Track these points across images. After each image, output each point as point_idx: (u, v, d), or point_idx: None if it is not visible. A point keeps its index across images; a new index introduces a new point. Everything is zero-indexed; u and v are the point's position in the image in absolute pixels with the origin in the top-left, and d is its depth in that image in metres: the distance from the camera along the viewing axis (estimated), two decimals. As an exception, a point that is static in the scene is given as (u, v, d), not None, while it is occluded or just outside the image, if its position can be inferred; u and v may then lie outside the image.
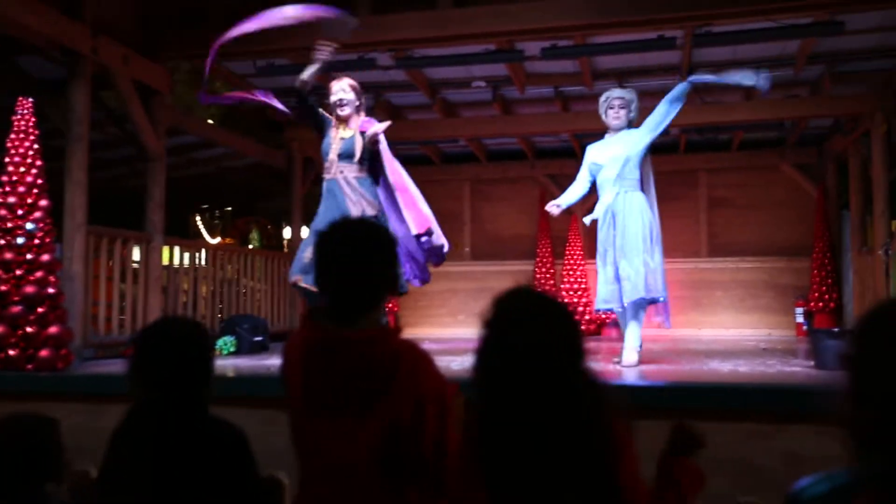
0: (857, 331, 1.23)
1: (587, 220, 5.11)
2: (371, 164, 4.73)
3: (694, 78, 5.24)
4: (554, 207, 5.13)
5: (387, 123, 4.69)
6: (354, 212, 4.51)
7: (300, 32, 6.20)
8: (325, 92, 4.85)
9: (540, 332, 1.53)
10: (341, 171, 4.65)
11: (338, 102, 4.71)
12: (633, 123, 5.11)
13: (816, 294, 9.23)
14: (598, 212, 4.99)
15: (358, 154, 4.62)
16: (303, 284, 4.56)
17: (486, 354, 1.57)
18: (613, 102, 5.06)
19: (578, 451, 1.47)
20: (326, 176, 4.70)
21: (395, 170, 4.77)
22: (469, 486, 1.52)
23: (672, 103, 5.03)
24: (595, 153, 5.13)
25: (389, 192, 4.80)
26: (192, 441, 1.85)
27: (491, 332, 1.58)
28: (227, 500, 1.84)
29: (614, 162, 4.93)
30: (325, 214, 4.55)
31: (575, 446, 1.47)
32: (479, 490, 1.49)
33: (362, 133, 4.65)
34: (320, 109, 4.83)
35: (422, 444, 1.63)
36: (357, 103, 4.77)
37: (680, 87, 5.09)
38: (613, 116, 5.04)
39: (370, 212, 4.58)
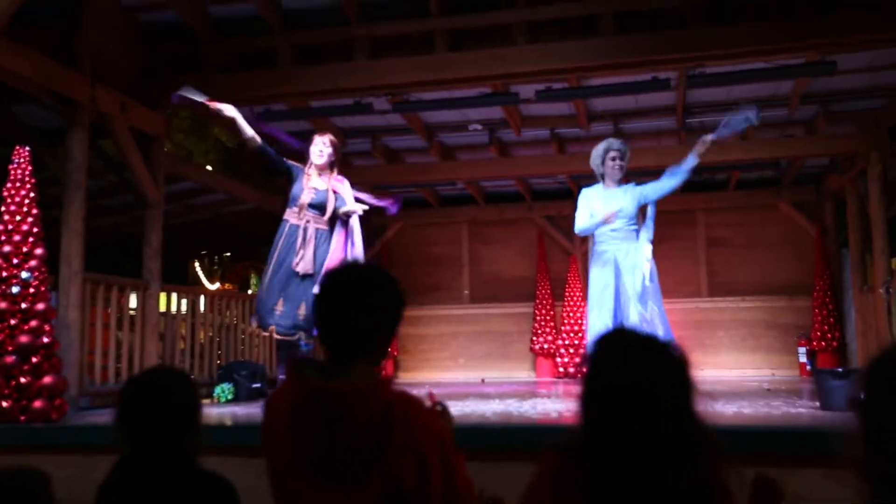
0: (866, 375, 1.20)
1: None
2: (332, 218, 5.10)
3: (700, 148, 5.22)
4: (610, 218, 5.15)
5: (362, 208, 5.09)
6: (294, 260, 4.94)
7: (297, 78, 6.29)
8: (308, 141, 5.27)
9: (653, 372, 1.41)
10: (307, 220, 5.03)
11: (318, 153, 5.10)
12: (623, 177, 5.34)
13: (819, 333, 9.18)
14: (596, 256, 5.18)
15: (329, 212, 5.04)
16: (278, 335, 4.90)
17: (590, 400, 1.45)
18: (615, 154, 5.23)
19: (696, 499, 1.38)
20: (291, 220, 5.05)
21: (356, 244, 5.12)
22: None
23: (676, 179, 5.18)
24: (597, 202, 5.22)
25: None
26: (178, 494, 1.80)
27: (601, 374, 1.46)
28: None
29: (624, 215, 5.11)
30: (286, 256, 4.98)
31: (690, 495, 1.37)
32: None
33: (335, 193, 5.09)
34: (285, 159, 5.19)
35: (431, 499, 1.54)
36: (333, 159, 5.18)
37: (689, 164, 5.15)
38: (615, 166, 5.22)
39: (308, 269, 4.93)
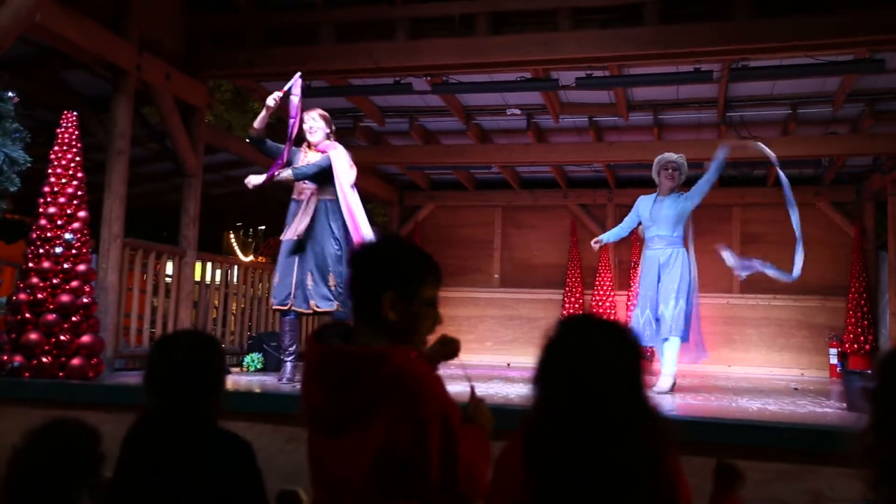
0: (879, 366, 1.22)
1: (595, 245, 5.87)
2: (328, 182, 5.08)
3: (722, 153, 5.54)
4: (595, 244, 5.83)
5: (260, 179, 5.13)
6: (318, 230, 5.08)
7: (338, 56, 6.33)
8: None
9: (606, 354, 1.49)
10: (311, 193, 5.10)
11: (308, 130, 5.18)
12: (679, 187, 5.63)
13: (851, 335, 9.05)
14: (644, 258, 5.66)
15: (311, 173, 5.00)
16: (321, 308, 5.05)
17: (548, 377, 1.53)
18: (668, 166, 5.58)
19: (637, 479, 1.44)
20: (294, 197, 5.19)
21: (353, 214, 5.07)
22: None
23: (707, 176, 5.51)
24: (647, 208, 5.60)
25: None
26: (196, 450, 1.87)
27: (554, 355, 1.53)
28: None
29: (665, 222, 5.48)
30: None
31: (634, 474, 1.43)
32: None
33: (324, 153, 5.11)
34: (281, 146, 5.16)
35: (425, 467, 1.58)
36: (327, 131, 5.22)
37: (719, 162, 5.48)
38: (667, 178, 5.56)
39: (291, 235, 5.09)
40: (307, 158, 5.16)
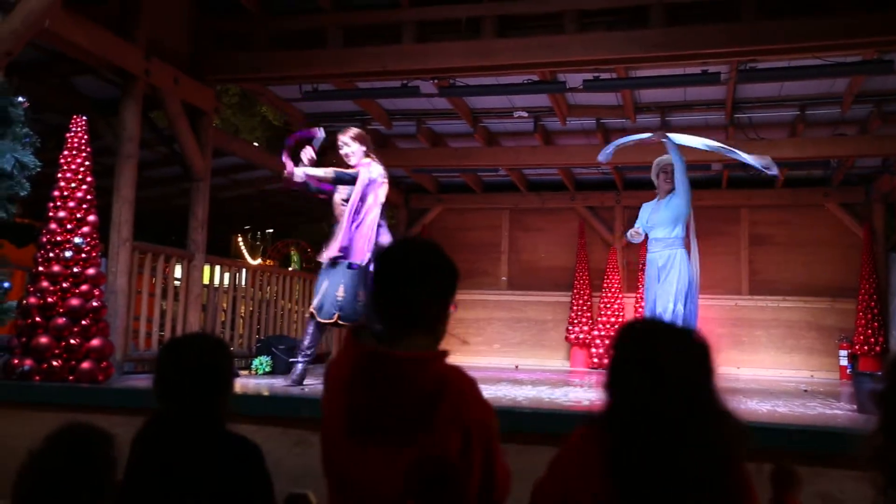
0: (889, 369, 1.22)
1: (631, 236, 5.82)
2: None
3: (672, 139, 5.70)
4: (636, 235, 5.74)
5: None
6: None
7: (345, 59, 6.35)
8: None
9: (678, 358, 1.52)
10: (343, 214, 5.14)
11: (344, 156, 5.19)
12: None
13: (862, 337, 9.01)
14: (648, 260, 5.72)
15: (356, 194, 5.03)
16: (342, 322, 5.02)
17: (625, 381, 1.55)
18: (667, 168, 5.70)
19: (715, 478, 1.46)
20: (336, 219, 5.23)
21: (363, 220, 5.13)
22: None
23: (679, 162, 5.60)
24: (647, 213, 5.79)
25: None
26: (204, 452, 1.87)
27: (631, 360, 1.56)
28: None
29: (662, 225, 5.60)
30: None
31: (712, 473, 1.45)
32: None
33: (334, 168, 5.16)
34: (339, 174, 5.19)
35: (468, 476, 1.56)
36: (363, 148, 5.18)
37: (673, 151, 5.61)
38: (664, 180, 5.70)
39: (330, 254, 5.07)
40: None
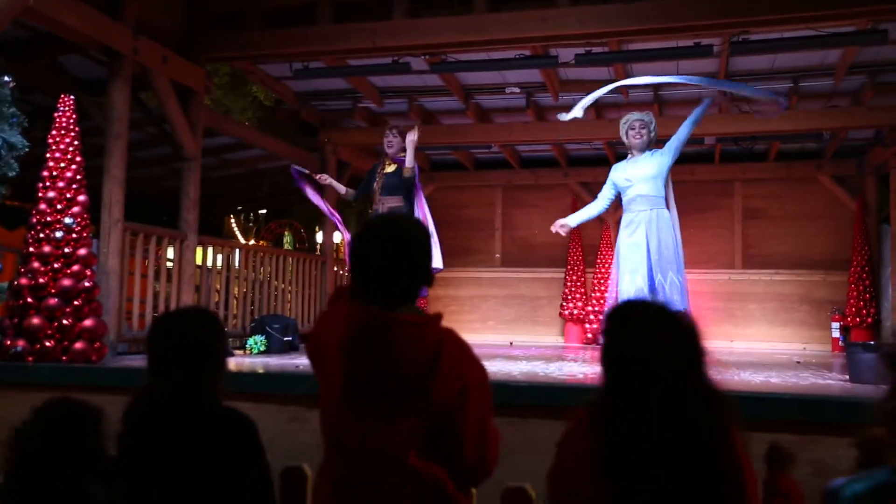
0: None
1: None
2: (409, 196, 5.59)
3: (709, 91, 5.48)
4: (560, 227, 5.32)
5: (416, 133, 5.54)
6: None
7: (336, 36, 6.30)
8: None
9: (667, 340, 1.54)
10: (382, 203, 5.51)
11: (387, 144, 5.69)
12: (653, 144, 5.20)
13: (854, 309, 9.06)
14: (625, 222, 5.12)
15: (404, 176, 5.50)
16: None
17: (616, 362, 1.58)
18: (634, 124, 5.16)
19: (706, 460, 1.48)
20: (373, 207, 5.63)
21: (422, 205, 5.65)
22: (595, 496, 1.50)
23: (693, 125, 5.15)
24: (622, 172, 5.21)
25: None
26: (197, 425, 1.86)
27: (621, 342, 1.59)
28: (232, 485, 1.84)
29: (644, 181, 5.05)
30: None
31: (703, 455, 1.48)
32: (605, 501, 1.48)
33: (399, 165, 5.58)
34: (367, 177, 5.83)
35: (464, 431, 1.61)
36: (404, 143, 5.52)
37: (702, 108, 5.20)
38: (634, 136, 5.12)
39: None
40: (386, 169, 5.63)
